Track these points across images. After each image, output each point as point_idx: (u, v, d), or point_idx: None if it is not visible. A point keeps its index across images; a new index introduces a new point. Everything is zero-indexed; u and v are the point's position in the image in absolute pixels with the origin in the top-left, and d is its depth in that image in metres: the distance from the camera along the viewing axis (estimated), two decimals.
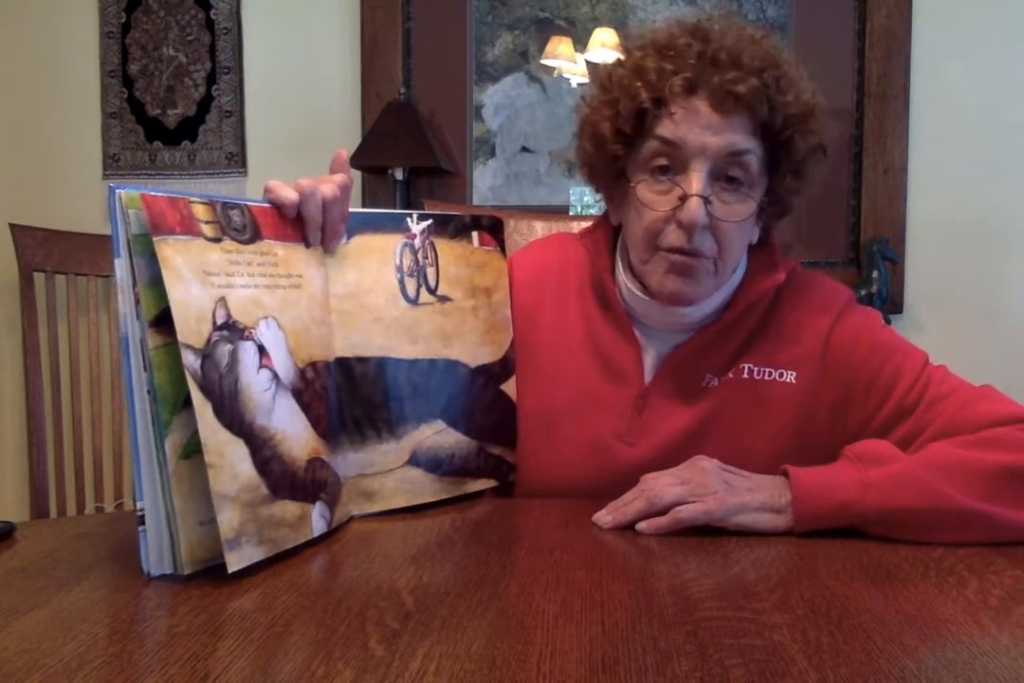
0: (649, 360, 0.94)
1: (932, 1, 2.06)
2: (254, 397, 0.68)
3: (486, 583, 0.64)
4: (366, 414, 0.82)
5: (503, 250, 0.95)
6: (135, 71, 2.29)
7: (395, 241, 0.85)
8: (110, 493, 2.15)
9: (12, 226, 2.14)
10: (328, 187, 0.78)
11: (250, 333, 0.69)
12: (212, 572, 0.65)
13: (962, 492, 0.76)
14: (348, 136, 2.20)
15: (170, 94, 2.29)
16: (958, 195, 2.08)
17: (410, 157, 2.07)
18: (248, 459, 0.67)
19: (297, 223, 0.77)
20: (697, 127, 0.83)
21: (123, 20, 2.28)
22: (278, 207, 0.76)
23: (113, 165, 2.31)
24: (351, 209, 0.82)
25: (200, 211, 0.68)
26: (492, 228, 0.94)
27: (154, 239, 0.64)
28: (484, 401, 0.91)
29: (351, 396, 0.81)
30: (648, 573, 0.67)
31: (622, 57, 0.90)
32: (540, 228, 1.38)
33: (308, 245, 0.78)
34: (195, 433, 0.64)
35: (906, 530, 0.76)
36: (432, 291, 0.87)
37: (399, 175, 2.08)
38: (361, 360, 0.82)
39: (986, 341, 2.08)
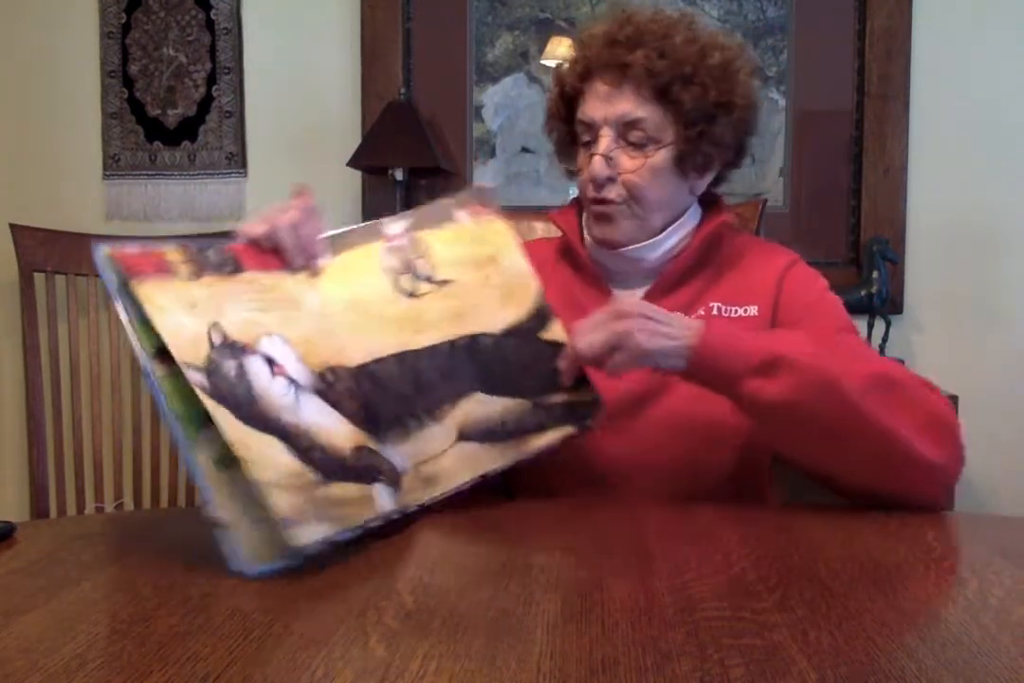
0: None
1: (932, 1, 2.06)
2: (275, 400, 0.72)
3: (486, 583, 0.64)
4: (402, 408, 0.83)
5: (500, 211, 0.96)
6: (135, 71, 2.29)
7: (377, 249, 0.87)
8: (110, 493, 2.15)
9: (12, 226, 2.14)
10: (287, 214, 0.81)
11: (252, 348, 0.73)
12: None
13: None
14: (348, 136, 2.20)
15: (170, 94, 2.29)
16: (958, 195, 2.08)
17: (410, 157, 2.07)
18: (285, 451, 0.70)
19: (277, 254, 0.80)
20: (598, 102, 1.00)
21: (123, 20, 2.28)
22: (254, 242, 0.79)
23: (113, 165, 2.31)
24: (327, 233, 0.85)
25: (173, 255, 0.72)
26: (476, 198, 0.95)
27: (131, 282, 0.69)
28: (524, 358, 0.90)
29: (383, 397, 0.82)
30: (648, 573, 0.67)
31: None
32: (540, 228, 1.37)
33: (293, 271, 0.81)
34: (224, 444, 0.67)
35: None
36: (430, 279, 0.88)
37: (399, 175, 2.08)
38: (380, 361, 0.83)
39: (986, 341, 2.08)
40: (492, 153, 2.19)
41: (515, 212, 1.37)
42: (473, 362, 0.88)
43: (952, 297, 2.09)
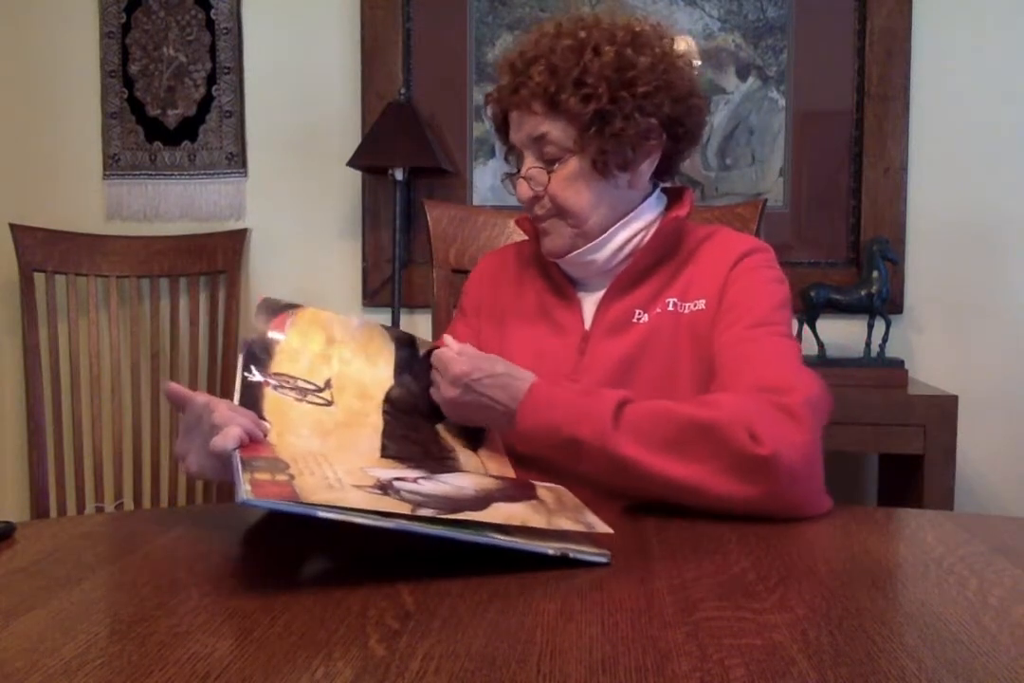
0: (588, 310, 1.09)
1: (932, 1, 2.06)
2: (454, 490, 0.78)
3: (486, 583, 0.64)
4: (437, 465, 0.89)
5: (290, 305, 0.97)
6: (135, 71, 2.29)
7: (271, 395, 0.88)
8: (110, 493, 2.16)
9: (12, 226, 2.14)
10: (228, 420, 0.79)
11: (381, 480, 0.75)
12: None
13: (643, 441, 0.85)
14: (348, 136, 2.20)
15: (170, 94, 2.29)
16: (958, 195, 2.08)
17: (410, 157, 2.07)
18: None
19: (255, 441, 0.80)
20: (513, 128, 1.06)
21: (123, 20, 2.28)
22: (245, 443, 0.78)
23: (113, 165, 2.31)
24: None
25: (263, 475, 0.70)
26: (268, 313, 0.95)
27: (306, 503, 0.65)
28: (424, 380, 0.97)
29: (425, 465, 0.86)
30: (648, 573, 0.67)
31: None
32: None
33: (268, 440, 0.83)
34: None
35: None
36: (319, 388, 0.93)
37: (399, 175, 2.08)
38: (385, 447, 0.89)
39: (986, 341, 2.08)
40: (492, 153, 2.19)
41: (514, 212, 1.37)
42: (405, 413, 0.95)
43: (952, 297, 2.09)
